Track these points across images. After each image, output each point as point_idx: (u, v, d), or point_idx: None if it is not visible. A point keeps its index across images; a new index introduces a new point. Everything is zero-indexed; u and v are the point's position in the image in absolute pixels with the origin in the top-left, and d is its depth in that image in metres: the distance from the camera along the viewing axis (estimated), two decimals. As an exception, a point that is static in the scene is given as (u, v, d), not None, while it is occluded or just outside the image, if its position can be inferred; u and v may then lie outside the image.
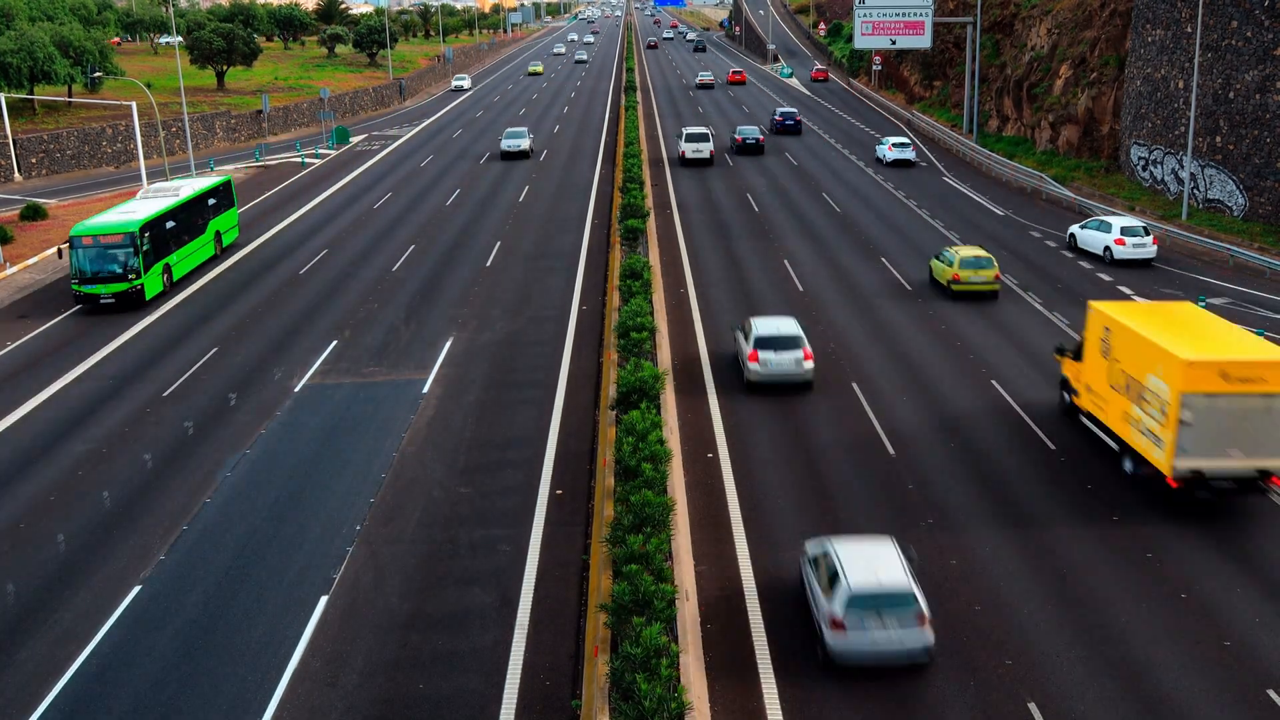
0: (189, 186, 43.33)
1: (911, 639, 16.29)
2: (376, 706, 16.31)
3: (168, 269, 39.40)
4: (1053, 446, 24.72)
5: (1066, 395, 26.23)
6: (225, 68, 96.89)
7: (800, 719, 15.87)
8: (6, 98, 66.77)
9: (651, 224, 44.26)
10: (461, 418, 27.07)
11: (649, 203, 46.24)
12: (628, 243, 38.63)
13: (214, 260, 44.28)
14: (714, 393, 28.41)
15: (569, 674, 16.87)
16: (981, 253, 36.63)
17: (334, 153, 74.48)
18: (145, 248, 37.45)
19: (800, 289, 37.99)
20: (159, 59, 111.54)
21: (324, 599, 19.11)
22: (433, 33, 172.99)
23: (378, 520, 21.89)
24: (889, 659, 16.42)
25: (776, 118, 77.70)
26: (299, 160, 71.13)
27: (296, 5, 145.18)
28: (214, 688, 16.75)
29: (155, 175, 64.20)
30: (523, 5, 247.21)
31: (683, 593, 16.98)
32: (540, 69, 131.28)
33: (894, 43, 73.12)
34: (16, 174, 65.73)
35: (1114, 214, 45.10)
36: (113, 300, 36.89)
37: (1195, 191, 47.84)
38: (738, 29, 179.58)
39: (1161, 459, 21.07)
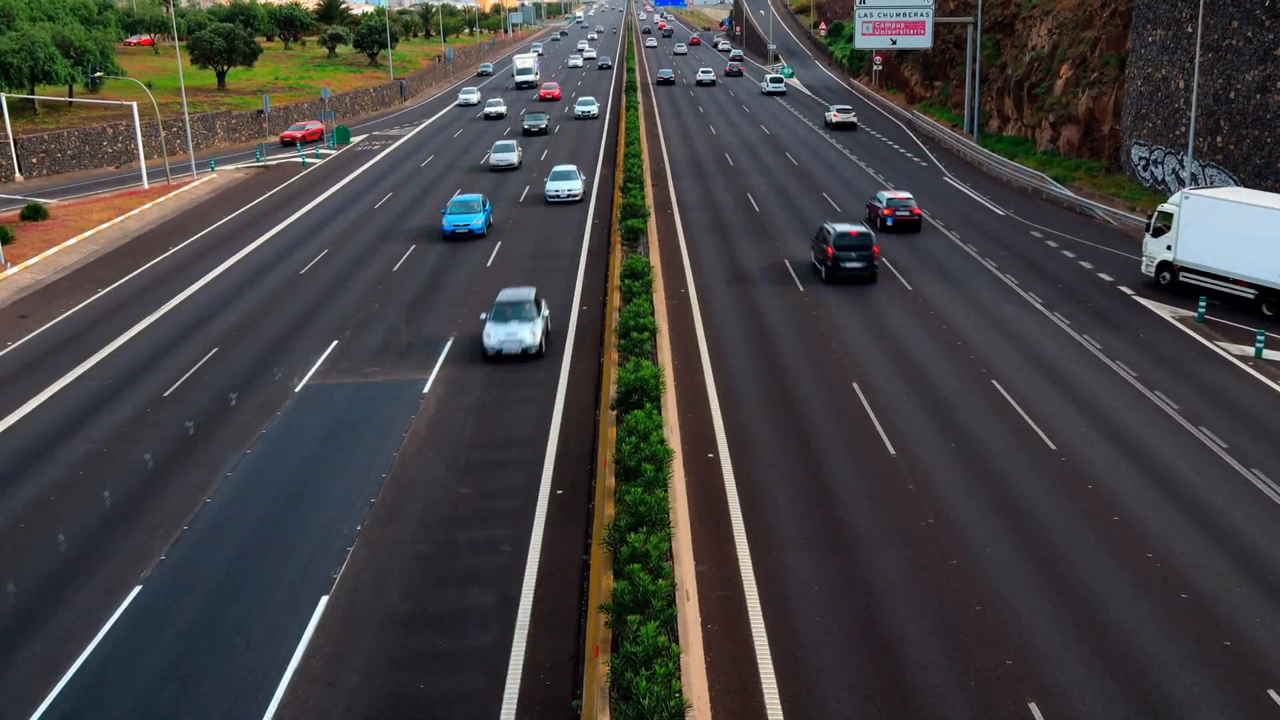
0: None
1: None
2: (376, 706, 16.30)
3: None
4: (1053, 446, 24.71)
5: None
6: (226, 68, 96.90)
7: (801, 719, 15.87)
8: (7, 98, 66.78)
9: (652, 224, 44.25)
10: (462, 418, 27.07)
11: (649, 202, 46.24)
12: (628, 243, 38.63)
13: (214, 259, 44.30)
14: (714, 393, 28.41)
15: (569, 674, 16.86)
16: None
17: (334, 153, 74.48)
18: None
19: (801, 288, 37.97)
20: (159, 59, 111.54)
21: (324, 599, 19.11)
22: (433, 32, 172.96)
23: (378, 520, 21.89)
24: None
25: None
26: (299, 160, 71.15)
27: (297, 5, 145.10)
28: (214, 688, 16.75)
29: (156, 175, 64.23)
30: (523, 5, 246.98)
31: (683, 592, 16.97)
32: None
33: (894, 43, 73.12)
34: (17, 174, 65.74)
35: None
36: None
37: (1196, 191, 47.78)
38: (738, 29, 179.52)
39: None
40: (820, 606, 18.57)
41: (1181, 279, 36.77)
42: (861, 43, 74.09)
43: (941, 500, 22.25)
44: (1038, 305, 35.73)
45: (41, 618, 18.88)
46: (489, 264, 42.36)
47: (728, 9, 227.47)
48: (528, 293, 32.35)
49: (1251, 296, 34.40)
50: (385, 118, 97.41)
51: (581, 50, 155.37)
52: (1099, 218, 49.55)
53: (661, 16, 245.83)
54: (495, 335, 30.81)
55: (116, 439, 26.51)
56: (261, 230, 50.20)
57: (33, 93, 73.34)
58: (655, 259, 39.98)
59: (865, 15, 71.17)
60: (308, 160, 70.86)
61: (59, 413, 28.38)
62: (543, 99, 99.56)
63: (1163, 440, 25.08)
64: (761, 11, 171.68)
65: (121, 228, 50.76)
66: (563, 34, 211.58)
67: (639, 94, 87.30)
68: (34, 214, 51.00)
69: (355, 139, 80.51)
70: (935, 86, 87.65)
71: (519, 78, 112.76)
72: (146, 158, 66.29)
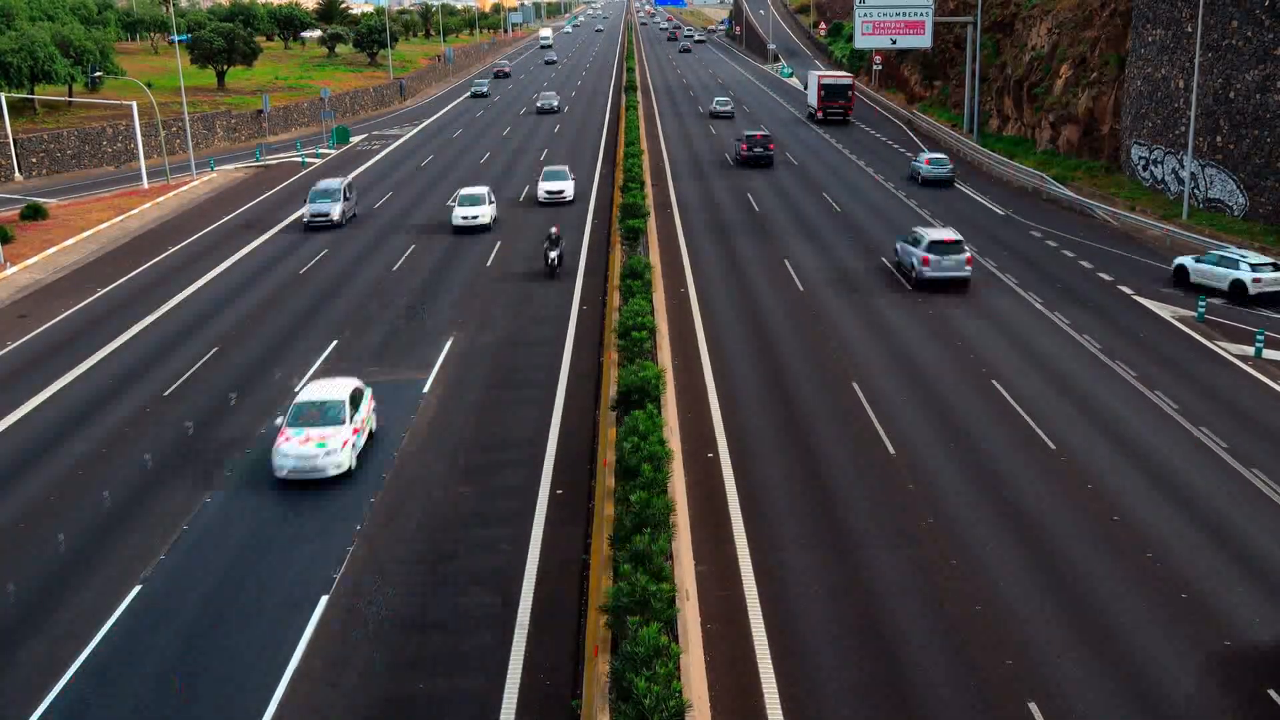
0: None
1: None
2: (376, 706, 16.30)
3: None
4: (1052, 446, 24.71)
5: None
6: (225, 67, 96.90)
7: (801, 719, 15.87)
8: (7, 97, 66.77)
9: (651, 223, 44.23)
10: (462, 418, 27.06)
11: (649, 202, 46.22)
12: (628, 242, 38.62)
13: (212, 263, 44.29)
14: (714, 392, 28.41)
15: (569, 674, 16.86)
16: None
17: (334, 152, 74.47)
18: None
19: (801, 288, 37.98)
20: (159, 59, 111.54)
21: (324, 599, 19.11)
22: (433, 32, 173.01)
23: (378, 520, 21.89)
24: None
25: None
26: (299, 160, 71.14)
27: (296, 5, 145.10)
28: (214, 687, 16.75)
29: (155, 175, 64.22)
30: (523, 5, 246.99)
31: (683, 593, 16.96)
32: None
33: (894, 42, 73.10)
34: (17, 174, 65.74)
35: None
36: None
37: (1195, 191, 47.82)
38: (738, 29, 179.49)
39: None
40: (820, 606, 18.58)
41: (811, 115, 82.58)
42: (861, 42, 74.09)
43: (941, 500, 22.25)
44: (1038, 305, 35.73)
45: (41, 617, 18.87)
46: (489, 263, 42.35)
47: (728, 9, 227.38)
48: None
49: (806, 117, 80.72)
50: (385, 117, 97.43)
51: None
52: (1099, 217, 49.55)
53: (652, 4, 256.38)
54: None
55: (116, 439, 26.50)
56: (261, 230, 50.18)
57: (32, 92, 73.33)
58: (655, 259, 39.98)
59: (865, 15, 71.16)
60: (307, 160, 70.85)
61: (59, 413, 28.36)
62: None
63: (1163, 440, 25.08)
64: (761, 11, 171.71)
65: (121, 227, 50.75)
66: (498, 76, 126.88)
67: (639, 94, 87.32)
68: (34, 214, 50.99)
69: (355, 139, 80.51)
70: (935, 86, 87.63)
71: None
72: (146, 157, 66.28)
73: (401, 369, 30.67)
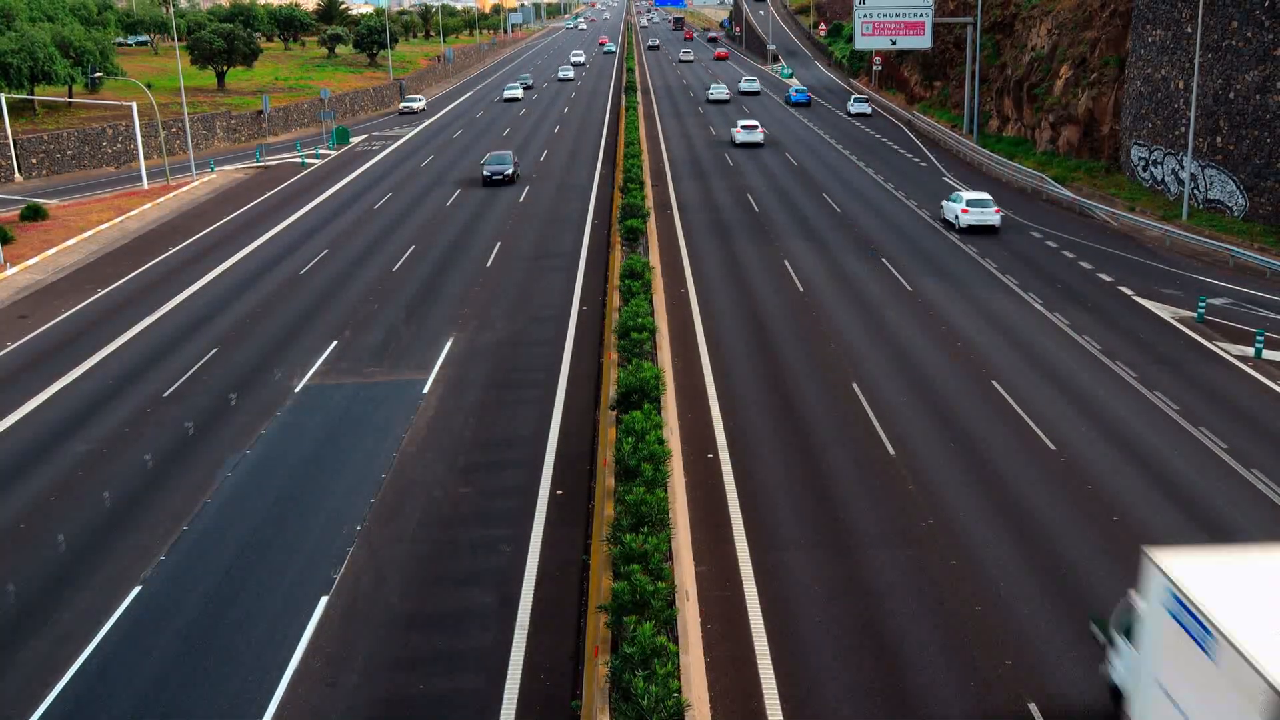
0: None
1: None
2: (376, 706, 16.30)
3: None
4: (1052, 447, 24.71)
5: None
6: (225, 68, 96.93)
7: (800, 719, 15.86)
8: (7, 98, 66.77)
9: (651, 224, 44.25)
10: (462, 418, 27.06)
11: (649, 203, 46.23)
12: (628, 243, 38.63)
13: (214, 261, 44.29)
14: (714, 393, 28.41)
15: (569, 674, 16.86)
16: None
17: (334, 153, 74.47)
18: None
19: (800, 289, 37.99)
20: (159, 59, 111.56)
21: (324, 599, 19.11)
22: (433, 33, 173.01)
23: (378, 520, 21.89)
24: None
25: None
26: (299, 161, 71.14)
27: (296, 5, 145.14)
28: (214, 688, 16.75)
29: (155, 175, 64.22)
30: (523, 5, 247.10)
31: (683, 592, 16.96)
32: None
33: (894, 43, 73.16)
34: (17, 174, 65.74)
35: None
36: None
37: (1195, 192, 47.84)
38: (738, 29, 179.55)
39: None
40: (820, 607, 18.57)
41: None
42: (861, 43, 74.18)
43: (941, 500, 22.25)
44: (1038, 305, 35.74)
45: (41, 618, 18.87)
46: (489, 264, 42.37)
47: (727, 9, 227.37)
48: None
49: None
50: (385, 118, 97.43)
51: None
52: (1099, 218, 49.56)
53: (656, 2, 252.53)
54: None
55: (116, 439, 26.50)
56: (261, 230, 50.19)
57: (32, 93, 73.35)
58: (655, 259, 39.99)
59: (865, 15, 71.25)
60: (307, 160, 70.85)
61: (59, 413, 28.36)
62: None
63: (1163, 440, 25.08)
64: (761, 12, 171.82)
65: (121, 228, 50.75)
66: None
67: (639, 94, 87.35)
68: (34, 214, 50.99)
69: (355, 139, 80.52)
70: (935, 87, 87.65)
71: None
72: (146, 158, 66.28)
73: (401, 369, 30.67)
